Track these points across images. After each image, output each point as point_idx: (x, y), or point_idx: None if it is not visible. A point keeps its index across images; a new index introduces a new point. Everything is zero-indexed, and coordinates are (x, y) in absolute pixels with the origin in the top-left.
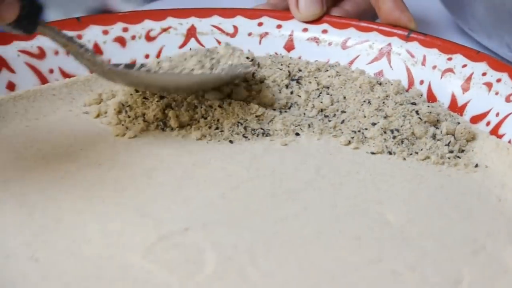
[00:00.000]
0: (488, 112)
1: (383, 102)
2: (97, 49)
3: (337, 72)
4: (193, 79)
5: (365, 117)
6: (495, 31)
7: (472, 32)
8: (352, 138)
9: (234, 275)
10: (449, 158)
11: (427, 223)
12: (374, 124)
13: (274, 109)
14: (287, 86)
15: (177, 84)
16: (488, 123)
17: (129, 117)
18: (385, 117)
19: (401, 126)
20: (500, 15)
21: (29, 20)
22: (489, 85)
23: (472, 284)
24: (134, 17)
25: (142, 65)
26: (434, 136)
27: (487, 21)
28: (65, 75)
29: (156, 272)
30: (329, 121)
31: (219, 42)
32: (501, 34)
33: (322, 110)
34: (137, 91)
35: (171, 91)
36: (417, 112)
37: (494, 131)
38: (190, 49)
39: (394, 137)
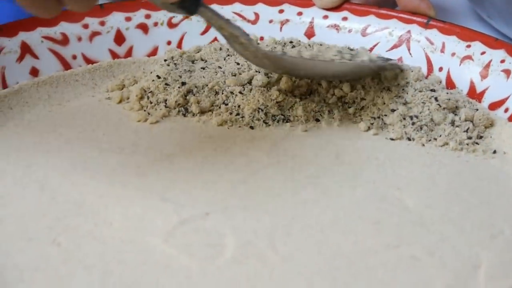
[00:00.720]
0: (506, 99)
1: (403, 89)
2: (120, 36)
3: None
4: (348, 67)
5: (384, 103)
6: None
7: (491, 19)
8: (372, 124)
9: (254, 259)
10: (467, 144)
11: (445, 208)
12: (393, 110)
13: (295, 96)
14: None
15: (333, 70)
16: (506, 110)
17: (151, 103)
18: (404, 104)
19: (420, 113)
20: None
21: (192, 1)
22: (507, 72)
23: (491, 269)
24: None
25: (284, 53)
26: (453, 123)
27: (505, 9)
28: (88, 61)
29: (176, 256)
30: (349, 107)
31: None
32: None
33: (342, 97)
34: (159, 77)
35: (325, 77)
36: (436, 99)
37: None
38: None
39: (413, 123)
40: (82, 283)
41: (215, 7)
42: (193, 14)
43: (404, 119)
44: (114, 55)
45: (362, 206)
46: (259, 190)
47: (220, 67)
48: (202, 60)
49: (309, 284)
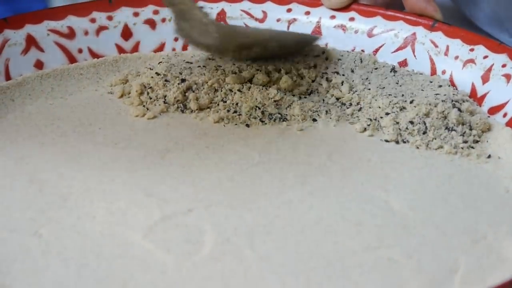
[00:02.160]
0: (505, 104)
1: (402, 94)
2: (127, 31)
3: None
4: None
5: (379, 107)
6: (495, 16)
7: (474, 19)
8: (368, 125)
9: (230, 256)
10: (462, 148)
11: (430, 211)
12: (387, 114)
13: (294, 95)
14: (311, 78)
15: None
16: (504, 115)
17: (150, 98)
18: (402, 108)
19: (416, 115)
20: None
21: None
22: (508, 76)
23: (468, 273)
24: None
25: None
26: (448, 128)
27: (494, 15)
28: (94, 55)
29: (154, 251)
30: (347, 108)
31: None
32: (501, 19)
33: (340, 98)
34: (158, 74)
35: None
36: (435, 105)
37: (510, 123)
38: None
39: (408, 126)
40: (58, 275)
41: (223, 4)
42: None
43: (399, 122)
44: (121, 50)
45: (346, 207)
46: (245, 188)
47: (220, 66)
48: None
49: (283, 284)
